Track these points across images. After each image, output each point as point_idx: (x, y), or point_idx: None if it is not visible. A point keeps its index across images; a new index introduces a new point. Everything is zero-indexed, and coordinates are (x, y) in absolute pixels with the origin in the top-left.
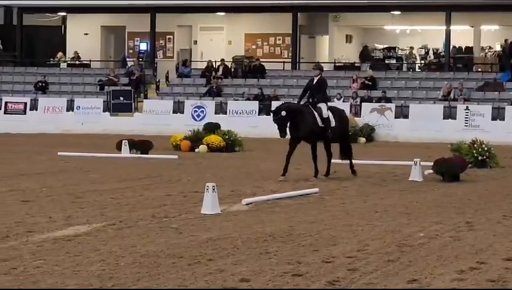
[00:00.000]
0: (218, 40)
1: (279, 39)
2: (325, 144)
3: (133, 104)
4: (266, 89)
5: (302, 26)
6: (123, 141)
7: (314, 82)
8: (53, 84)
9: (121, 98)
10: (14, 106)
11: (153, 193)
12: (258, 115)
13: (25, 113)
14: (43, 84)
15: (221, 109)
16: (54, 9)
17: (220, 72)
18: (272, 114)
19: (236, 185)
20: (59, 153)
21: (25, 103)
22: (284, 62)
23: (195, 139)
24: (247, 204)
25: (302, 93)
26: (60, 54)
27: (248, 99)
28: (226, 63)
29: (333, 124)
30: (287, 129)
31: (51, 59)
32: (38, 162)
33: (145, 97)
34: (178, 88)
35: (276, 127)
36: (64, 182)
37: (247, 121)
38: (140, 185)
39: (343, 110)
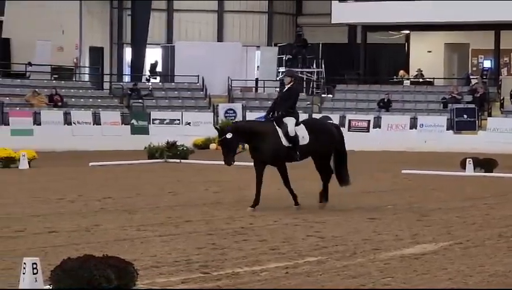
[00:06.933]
0: None
1: None
2: (323, 163)
3: (476, 122)
4: None
5: None
6: (467, 159)
7: (284, 91)
8: (396, 102)
9: (465, 116)
10: (358, 124)
11: (499, 212)
12: None
13: (368, 131)
14: (387, 102)
15: None
16: (398, 28)
17: None
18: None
19: None
20: (403, 171)
21: (368, 121)
22: None
23: None
24: None
25: (272, 105)
26: (401, 71)
27: None
28: None
29: (305, 141)
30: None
31: (394, 77)
32: (382, 180)
33: (489, 115)
34: None
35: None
36: (408, 200)
37: None
38: (485, 203)
39: (331, 124)
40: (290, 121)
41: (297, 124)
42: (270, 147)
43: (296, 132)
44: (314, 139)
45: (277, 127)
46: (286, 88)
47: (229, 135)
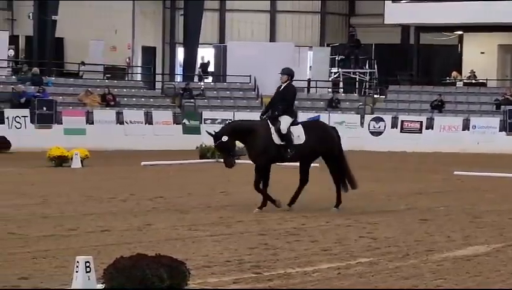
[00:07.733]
0: None
1: None
2: (336, 169)
3: None
4: None
5: None
6: None
7: (280, 90)
8: (449, 103)
9: None
10: (410, 125)
11: None
12: None
13: (421, 132)
14: (439, 103)
15: None
16: (451, 28)
17: None
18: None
19: None
20: (455, 172)
21: (421, 122)
22: None
23: None
24: None
25: (268, 104)
26: (454, 73)
27: None
28: None
29: (301, 141)
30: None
31: (447, 78)
32: (434, 181)
33: None
34: None
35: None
36: (461, 201)
37: None
38: None
39: (330, 127)
40: (284, 119)
41: (294, 123)
42: (260, 143)
43: (290, 130)
44: (311, 139)
45: (270, 125)
46: (283, 86)
47: (224, 138)
